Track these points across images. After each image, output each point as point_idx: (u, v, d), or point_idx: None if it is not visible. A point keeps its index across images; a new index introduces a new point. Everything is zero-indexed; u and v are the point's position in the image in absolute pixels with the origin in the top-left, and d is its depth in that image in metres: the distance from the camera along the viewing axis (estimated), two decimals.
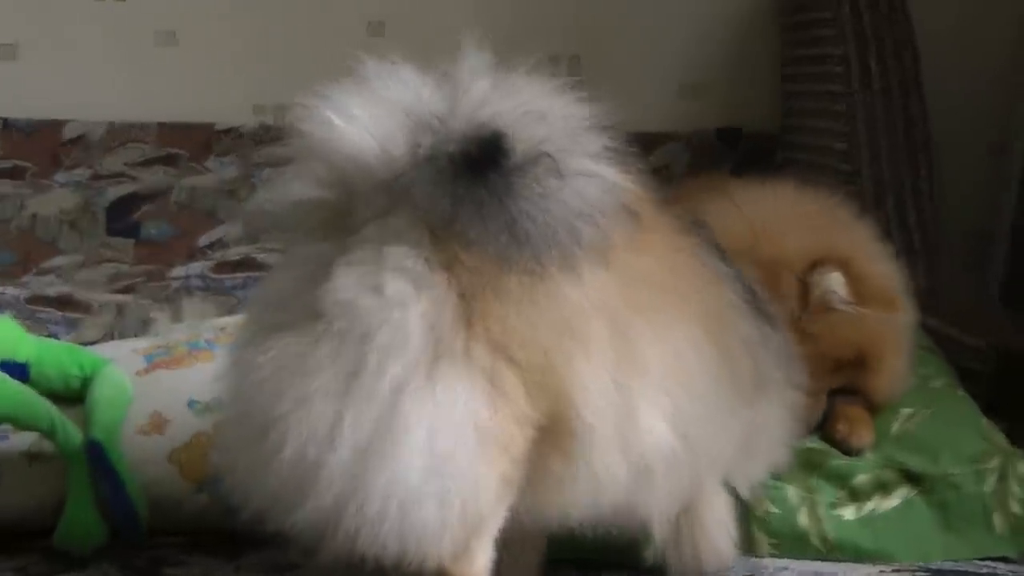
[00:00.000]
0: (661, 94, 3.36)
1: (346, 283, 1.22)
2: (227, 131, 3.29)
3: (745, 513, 1.78)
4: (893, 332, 2.02)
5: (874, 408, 2.04)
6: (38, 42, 3.29)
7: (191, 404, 1.94)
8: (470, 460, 1.22)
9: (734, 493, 1.72)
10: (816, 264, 1.95)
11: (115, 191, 3.17)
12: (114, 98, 3.30)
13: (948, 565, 1.83)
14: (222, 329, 2.13)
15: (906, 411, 2.05)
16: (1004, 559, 1.86)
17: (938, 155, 2.97)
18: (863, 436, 1.97)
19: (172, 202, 3.16)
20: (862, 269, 1.99)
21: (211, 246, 3.04)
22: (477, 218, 1.21)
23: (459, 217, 1.21)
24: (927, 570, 1.81)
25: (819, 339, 1.93)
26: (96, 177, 3.19)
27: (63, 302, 2.70)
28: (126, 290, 2.81)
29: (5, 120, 3.24)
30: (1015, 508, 1.86)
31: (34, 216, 3.11)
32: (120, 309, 2.62)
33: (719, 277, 1.60)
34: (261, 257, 2.78)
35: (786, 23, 3.28)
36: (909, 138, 2.89)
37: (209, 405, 1.91)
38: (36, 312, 2.65)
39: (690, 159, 3.28)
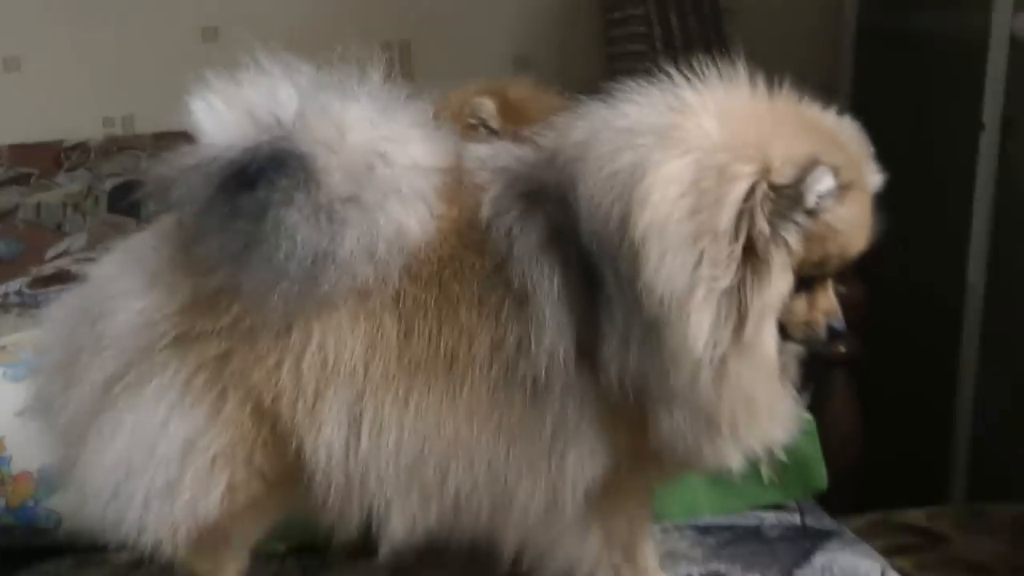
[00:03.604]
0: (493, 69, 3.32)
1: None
2: (75, 146, 3.34)
3: None
4: None
5: None
6: None
7: None
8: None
9: None
10: None
11: None
12: None
13: (717, 520, 1.83)
14: (2, 348, 2.01)
15: None
16: (773, 507, 1.86)
17: None
18: None
19: (19, 220, 3.19)
20: None
21: (56, 258, 3.04)
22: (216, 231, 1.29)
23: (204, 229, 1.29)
24: (695, 527, 1.80)
25: None
26: None
27: None
28: None
29: None
30: (781, 457, 1.80)
31: None
32: None
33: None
34: (75, 269, 2.58)
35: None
36: None
37: None
38: None
39: None
